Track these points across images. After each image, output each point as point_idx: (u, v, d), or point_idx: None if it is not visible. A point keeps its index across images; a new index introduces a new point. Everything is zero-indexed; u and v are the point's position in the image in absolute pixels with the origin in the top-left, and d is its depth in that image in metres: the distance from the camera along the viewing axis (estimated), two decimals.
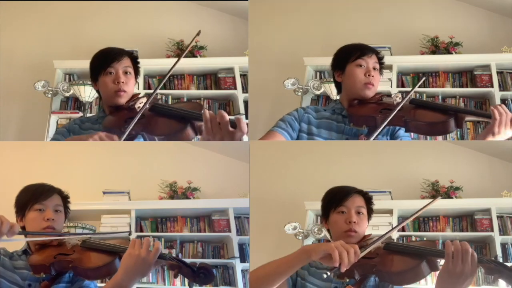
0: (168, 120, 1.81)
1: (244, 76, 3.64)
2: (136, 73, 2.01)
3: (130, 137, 1.85)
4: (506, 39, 3.65)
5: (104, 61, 1.92)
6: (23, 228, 1.79)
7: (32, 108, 3.69)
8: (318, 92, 3.57)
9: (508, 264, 1.61)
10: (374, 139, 1.90)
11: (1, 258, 1.75)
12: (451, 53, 3.68)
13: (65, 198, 1.86)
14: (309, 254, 1.58)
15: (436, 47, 3.70)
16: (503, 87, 3.59)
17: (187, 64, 3.70)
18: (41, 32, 3.77)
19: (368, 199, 1.86)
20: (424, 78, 3.68)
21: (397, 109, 1.88)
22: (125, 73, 1.93)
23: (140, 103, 1.88)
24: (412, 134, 3.50)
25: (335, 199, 1.85)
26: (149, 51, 3.70)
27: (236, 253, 3.50)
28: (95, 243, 1.72)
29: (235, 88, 3.63)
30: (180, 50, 3.73)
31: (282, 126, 1.97)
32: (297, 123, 2.00)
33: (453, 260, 1.54)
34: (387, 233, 1.70)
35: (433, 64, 3.68)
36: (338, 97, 2.09)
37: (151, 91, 3.66)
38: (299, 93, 3.58)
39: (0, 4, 3.66)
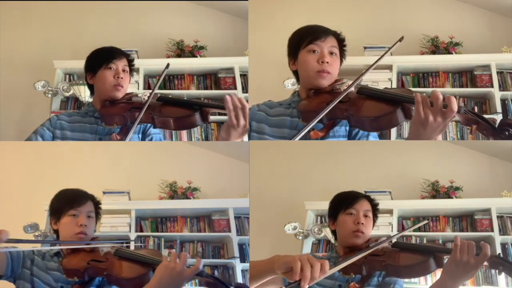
0: (179, 108, 1.89)
1: (244, 76, 3.64)
2: (131, 74, 2.10)
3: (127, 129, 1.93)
4: (506, 39, 3.65)
5: (107, 57, 2.02)
6: (56, 231, 1.87)
7: (32, 108, 3.69)
8: (297, 83, 3.56)
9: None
10: (326, 131, 1.74)
11: (35, 258, 1.81)
12: (451, 53, 3.68)
13: (97, 204, 1.92)
14: (273, 266, 1.47)
15: (436, 47, 3.70)
16: (503, 87, 3.60)
17: (187, 64, 3.70)
18: (41, 32, 3.77)
19: (374, 205, 1.93)
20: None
21: (338, 99, 1.66)
22: (123, 71, 2.02)
23: (144, 95, 1.97)
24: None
25: (345, 201, 1.89)
26: (149, 51, 3.70)
27: (236, 253, 3.50)
28: (128, 253, 1.75)
29: (235, 88, 3.63)
30: (180, 50, 3.73)
31: None
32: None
33: (461, 251, 1.58)
34: (392, 236, 1.79)
35: (433, 64, 3.68)
36: (297, 87, 1.93)
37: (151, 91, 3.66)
38: None
39: (0, 4, 3.66)
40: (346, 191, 1.97)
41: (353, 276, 1.75)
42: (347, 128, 1.80)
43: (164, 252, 3.57)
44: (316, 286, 1.78)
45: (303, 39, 1.81)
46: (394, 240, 1.79)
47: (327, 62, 1.77)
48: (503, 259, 1.63)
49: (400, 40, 1.83)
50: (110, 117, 1.96)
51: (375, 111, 1.65)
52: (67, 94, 3.58)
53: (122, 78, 2.00)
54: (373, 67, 1.84)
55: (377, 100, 1.68)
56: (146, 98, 1.95)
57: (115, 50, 2.07)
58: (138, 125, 1.95)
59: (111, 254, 1.76)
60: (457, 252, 1.58)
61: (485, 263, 1.60)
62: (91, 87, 2.08)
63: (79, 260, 1.75)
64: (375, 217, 1.92)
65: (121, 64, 2.02)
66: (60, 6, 3.75)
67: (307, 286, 1.38)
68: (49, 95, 3.57)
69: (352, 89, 1.73)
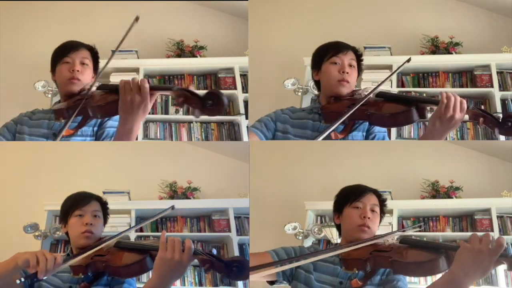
0: (108, 93, 1.86)
1: (244, 76, 3.64)
2: (96, 67, 2.06)
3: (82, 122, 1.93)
4: (506, 39, 3.65)
5: (62, 51, 2.02)
6: (66, 233, 1.89)
7: (32, 108, 3.68)
8: (318, 92, 3.56)
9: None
10: (346, 134, 1.95)
11: None
12: (451, 53, 3.68)
13: (104, 204, 1.93)
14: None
15: (436, 47, 3.70)
16: (503, 87, 3.60)
17: (187, 64, 3.70)
18: (41, 32, 3.77)
19: (382, 200, 1.91)
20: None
21: (361, 103, 1.87)
22: (82, 63, 2.00)
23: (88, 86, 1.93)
24: (411, 133, 3.52)
25: (351, 195, 1.88)
26: (149, 51, 3.70)
27: (236, 253, 3.50)
28: (127, 243, 1.78)
29: (235, 88, 3.63)
30: (180, 50, 3.74)
31: (257, 126, 2.02)
32: (273, 123, 2.04)
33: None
34: (394, 232, 1.77)
35: (433, 64, 3.68)
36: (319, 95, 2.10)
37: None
38: (299, 93, 3.57)
39: (1, 4, 3.66)
40: (353, 185, 1.96)
41: (356, 272, 1.72)
42: (364, 133, 1.97)
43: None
44: (316, 283, 1.79)
45: (327, 53, 2.01)
46: (396, 235, 1.75)
47: (347, 73, 1.97)
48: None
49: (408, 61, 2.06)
50: (57, 112, 1.93)
51: (393, 109, 1.86)
52: None
53: (78, 71, 1.96)
54: (393, 74, 2.06)
55: (395, 101, 1.89)
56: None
57: (72, 43, 2.07)
58: (94, 118, 1.93)
59: (112, 247, 1.78)
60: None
61: None
62: (57, 84, 2.06)
63: (85, 258, 1.76)
64: (382, 213, 1.90)
65: (79, 56, 2.00)
66: (60, 6, 3.75)
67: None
68: (49, 95, 3.57)
69: (371, 95, 1.93)
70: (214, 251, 1.70)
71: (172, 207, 1.84)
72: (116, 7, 3.78)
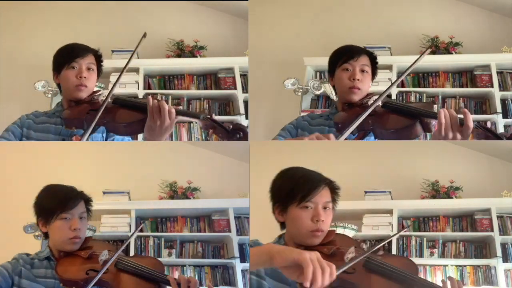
0: (130, 111, 1.86)
1: (244, 76, 3.64)
2: (99, 71, 2.04)
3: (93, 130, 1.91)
4: (506, 39, 3.65)
5: (69, 56, 1.98)
6: (45, 234, 1.76)
7: (32, 108, 3.66)
8: (318, 92, 3.57)
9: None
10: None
11: (22, 270, 1.69)
12: (451, 53, 3.68)
13: (88, 202, 1.80)
14: (272, 258, 1.27)
15: (436, 47, 3.70)
16: (503, 87, 3.59)
17: (187, 64, 3.70)
18: (41, 32, 3.77)
19: (335, 190, 1.62)
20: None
21: (367, 112, 1.84)
22: (88, 69, 1.97)
23: (103, 97, 1.94)
24: None
25: (300, 191, 1.60)
26: (149, 51, 3.70)
27: (236, 253, 3.50)
28: (132, 267, 1.63)
29: (235, 88, 3.63)
30: (180, 50, 3.74)
31: (282, 134, 2.05)
32: (295, 130, 2.05)
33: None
34: (370, 251, 1.49)
35: (433, 64, 3.68)
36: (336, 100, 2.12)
37: (152, 91, 3.66)
38: (299, 93, 3.57)
39: (1, 4, 3.66)
40: (303, 171, 1.70)
41: None
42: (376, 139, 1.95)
43: (164, 252, 3.57)
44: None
45: (339, 59, 2.01)
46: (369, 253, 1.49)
47: (358, 79, 1.96)
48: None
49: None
50: (69, 121, 1.92)
51: (396, 124, 1.83)
52: None
53: (85, 77, 1.94)
54: (397, 82, 2.10)
55: (399, 113, 1.86)
56: (103, 99, 1.88)
57: (78, 47, 2.03)
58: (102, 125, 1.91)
59: (112, 266, 1.62)
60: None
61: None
62: (60, 86, 2.03)
63: (77, 270, 1.62)
64: (335, 204, 1.61)
65: (85, 62, 1.97)
66: (61, 6, 3.75)
67: None
68: (49, 95, 3.57)
69: (379, 103, 1.90)
70: None
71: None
72: (116, 7, 3.79)
